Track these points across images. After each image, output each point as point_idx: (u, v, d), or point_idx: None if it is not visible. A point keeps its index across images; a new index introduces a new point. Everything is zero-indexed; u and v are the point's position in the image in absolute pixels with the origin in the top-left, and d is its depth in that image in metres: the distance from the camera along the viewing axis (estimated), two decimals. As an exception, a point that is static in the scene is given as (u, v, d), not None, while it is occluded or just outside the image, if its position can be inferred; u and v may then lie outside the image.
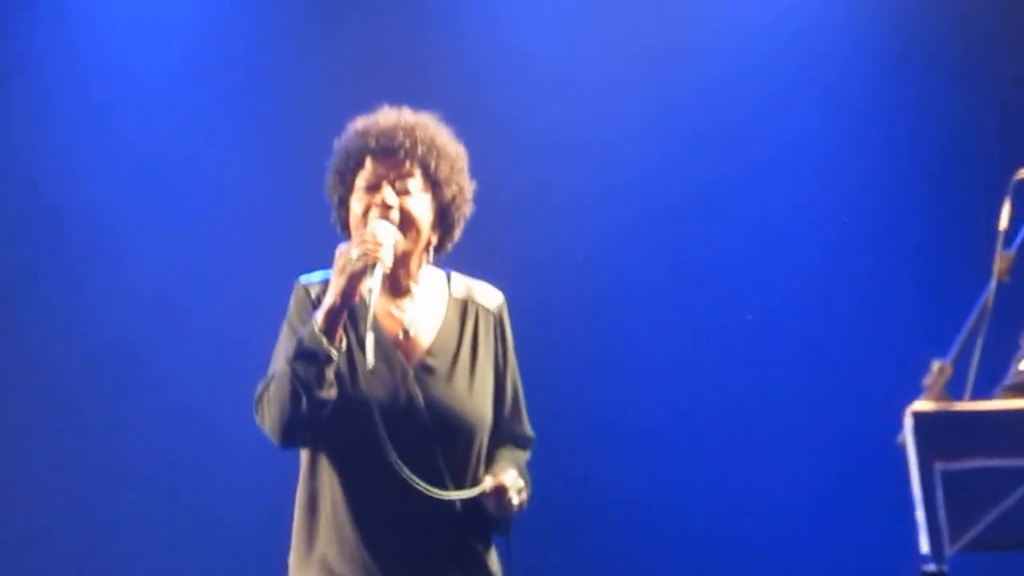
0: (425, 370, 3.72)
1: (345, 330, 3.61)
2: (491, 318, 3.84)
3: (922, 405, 3.22)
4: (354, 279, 3.57)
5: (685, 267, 5.80)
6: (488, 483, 3.66)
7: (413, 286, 3.79)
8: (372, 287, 3.57)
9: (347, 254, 3.58)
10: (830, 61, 5.81)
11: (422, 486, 3.56)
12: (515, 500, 3.68)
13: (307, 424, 3.60)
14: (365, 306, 3.63)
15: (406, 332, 3.75)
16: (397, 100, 3.81)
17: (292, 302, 3.77)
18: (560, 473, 5.38)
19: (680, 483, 5.73)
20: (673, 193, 5.81)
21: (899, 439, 3.35)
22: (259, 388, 3.69)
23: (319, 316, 3.59)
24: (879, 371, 5.39)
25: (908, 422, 3.20)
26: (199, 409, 5.62)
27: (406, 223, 3.70)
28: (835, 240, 5.76)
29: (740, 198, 5.81)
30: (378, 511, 3.65)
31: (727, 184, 5.80)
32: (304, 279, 3.79)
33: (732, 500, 5.70)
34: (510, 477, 3.68)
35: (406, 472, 3.53)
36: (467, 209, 3.84)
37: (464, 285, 3.87)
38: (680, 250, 5.80)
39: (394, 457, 3.52)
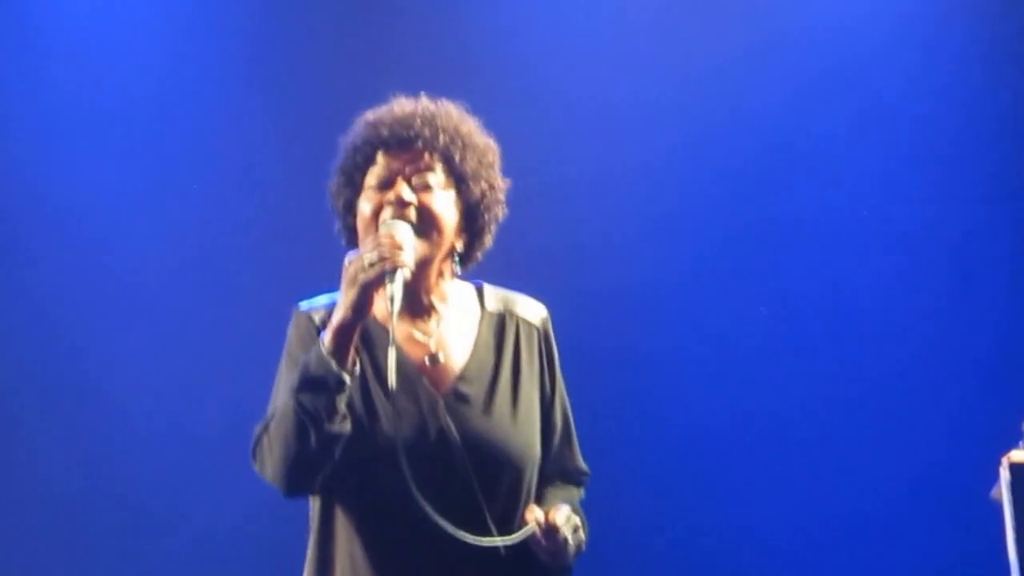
0: (459, 399, 3.16)
1: (358, 354, 3.07)
2: (534, 333, 3.29)
3: (1021, 455, 3.00)
4: (368, 289, 3.01)
5: (752, 273, 5.32)
6: (537, 518, 3.11)
7: (437, 303, 3.23)
8: (394, 294, 3.02)
9: (359, 261, 3.01)
10: (912, 54, 5.35)
11: (459, 533, 3.03)
12: (571, 541, 3.14)
13: (317, 466, 3.06)
14: (380, 326, 3.12)
15: (433, 357, 3.19)
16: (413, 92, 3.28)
17: (291, 332, 3.20)
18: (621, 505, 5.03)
19: (752, 520, 5.25)
20: (735, 193, 5.36)
21: (993, 493, 3.07)
22: (256, 430, 3.12)
23: (327, 336, 3.03)
24: (970, 414, 4.96)
25: (1004, 474, 2.97)
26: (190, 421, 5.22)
27: (426, 223, 3.12)
28: (922, 261, 5.27)
29: (802, 199, 5.35)
30: (407, 572, 3.12)
31: (790, 182, 5.35)
32: (305, 305, 3.22)
33: (803, 554, 5.20)
34: (562, 515, 3.13)
35: (436, 517, 3.00)
36: (499, 211, 3.26)
37: (499, 297, 3.32)
38: (744, 255, 5.33)
39: (422, 503, 2.99)
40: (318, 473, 3.07)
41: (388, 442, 3.07)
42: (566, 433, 3.33)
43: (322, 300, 3.20)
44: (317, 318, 3.16)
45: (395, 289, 3.02)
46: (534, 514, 3.13)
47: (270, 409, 3.14)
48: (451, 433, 3.12)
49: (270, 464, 3.08)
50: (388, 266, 3.01)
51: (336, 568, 3.13)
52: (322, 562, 3.15)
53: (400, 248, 3.03)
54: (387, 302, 3.03)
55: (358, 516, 3.12)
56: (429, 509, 2.99)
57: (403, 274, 3.04)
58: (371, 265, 3.00)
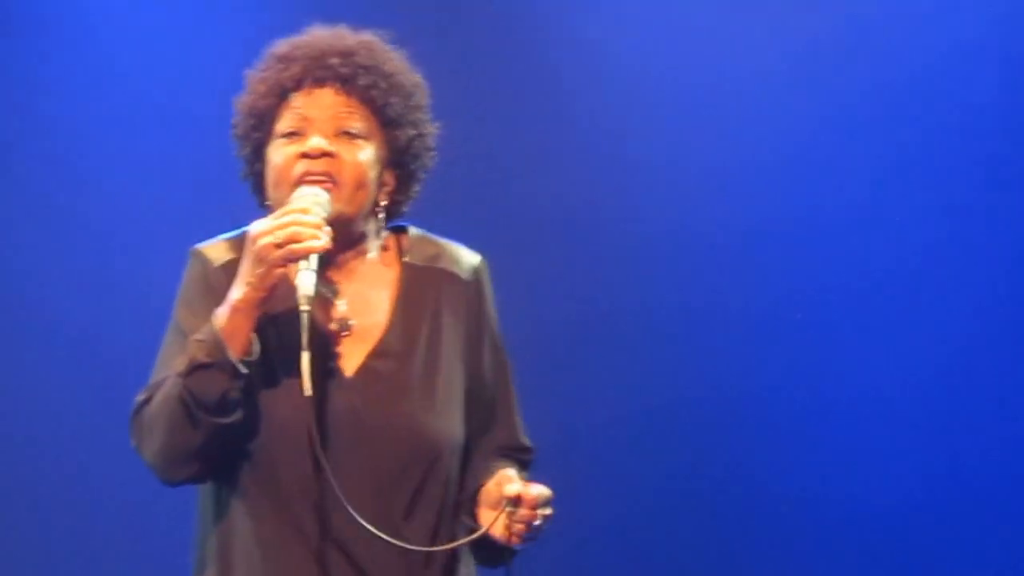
0: (370, 376, 2.80)
1: (259, 334, 2.71)
2: (461, 289, 2.91)
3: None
4: (277, 266, 2.68)
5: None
6: (513, 488, 2.69)
7: (353, 261, 2.87)
8: (304, 283, 2.66)
9: (269, 235, 2.65)
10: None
11: (395, 542, 2.71)
12: (538, 519, 2.73)
13: (203, 457, 2.73)
14: (287, 286, 2.72)
15: (344, 324, 2.82)
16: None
17: (185, 273, 2.87)
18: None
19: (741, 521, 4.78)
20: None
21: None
22: (139, 397, 2.78)
23: (224, 314, 2.68)
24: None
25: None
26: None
27: (345, 178, 2.77)
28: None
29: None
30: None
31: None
32: (203, 246, 2.88)
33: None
34: (537, 488, 2.72)
35: (369, 527, 2.67)
36: (428, 159, 2.92)
37: (423, 247, 2.93)
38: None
39: (347, 505, 2.67)
40: (204, 464, 2.75)
41: (290, 428, 2.72)
42: (501, 401, 2.93)
43: (223, 236, 2.87)
44: (217, 260, 2.82)
45: (307, 280, 2.67)
46: (506, 491, 2.69)
47: (155, 373, 2.79)
48: (361, 417, 2.76)
49: (148, 447, 2.75)
50: (298, 253, 2.66)
51: (235, 562, 2.78)
52: (221, 554, 2.79)
53: (314, 226, 2.67)
54: (301, 287, 2.68)
55: (256, 505, 2.76)
56: (357, 516, 2.67)
57: (316, 258, 2.68)
58: (277, 247, 2.65)
